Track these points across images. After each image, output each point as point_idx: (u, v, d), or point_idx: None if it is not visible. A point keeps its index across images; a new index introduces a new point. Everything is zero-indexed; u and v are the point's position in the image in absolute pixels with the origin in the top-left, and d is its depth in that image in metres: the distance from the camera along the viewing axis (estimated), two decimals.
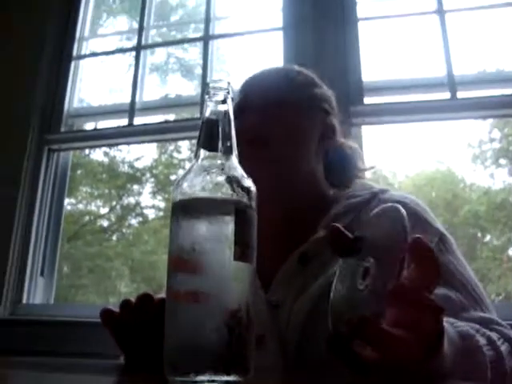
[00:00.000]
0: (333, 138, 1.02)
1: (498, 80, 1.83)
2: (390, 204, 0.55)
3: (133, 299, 0.73)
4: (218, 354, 0.49)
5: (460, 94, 1.70)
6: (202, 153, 0.57)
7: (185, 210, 0.54)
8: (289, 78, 1.04)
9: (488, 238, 3.53)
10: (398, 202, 0.88)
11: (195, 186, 0.54)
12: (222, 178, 0.54)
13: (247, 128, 0.95)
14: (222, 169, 0.55)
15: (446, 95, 1.72)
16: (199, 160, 0.57)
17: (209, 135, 0.58)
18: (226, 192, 0.53)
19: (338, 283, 0.55)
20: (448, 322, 0.62)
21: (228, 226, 0.52)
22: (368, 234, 0.56)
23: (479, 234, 3.48)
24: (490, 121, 3.36)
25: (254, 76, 1.06)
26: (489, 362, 0.63)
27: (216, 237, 0.52)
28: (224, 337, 0.49)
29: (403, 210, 0.53)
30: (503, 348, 0.68)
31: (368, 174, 1.10)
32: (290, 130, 0.97)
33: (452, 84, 1.71)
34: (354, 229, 0.61)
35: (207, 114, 0.59)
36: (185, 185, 0.55)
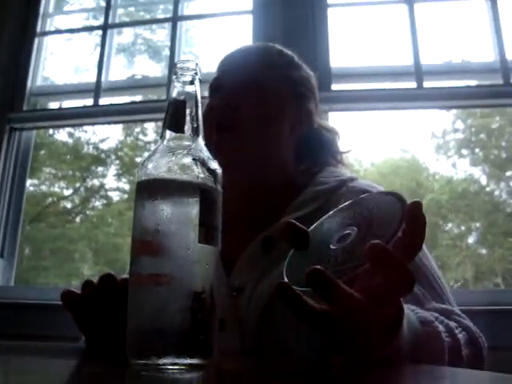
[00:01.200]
0: (307, 122, 1.02)
1: (464, 71, 1.86)
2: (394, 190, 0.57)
3: (95, 280, 0.72)
4: (181, 336, 0.49)
5: (426, 84, 1.73)
6: (168, 134, 0.56)
7: (149, 191, 0.53)
8: (267, 58, 1.02)
9: (449, 226, 3.61)
10: (366, 190, 0.89)
11: (160, 167, 0.53)
12: (187, 160, 0.54)
13: (216, 109, 0.94)
14: (188, 150, 0.55)
15: (413, 84, 1.74)
16: (165, 141, 0.56)
17: (175, 116, 0.57)
18: (191, 174, 0.53)
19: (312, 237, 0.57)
20: (409, 309, 0.63)
21: (193, 208, 0.51)
22: (362, 207, 0.57)
23: (441, 222, 3.55)
24: (454, 111, 3.42)
25: (231, 54, 1.04)
26: (447, 348, 0.65)
27: (180, 219, 0.51)
28: (187, 319, 0.49)
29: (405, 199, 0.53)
30: (460, 336, 0.70)
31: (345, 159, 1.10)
32: (260, 112, 0.96)
33: (419, 73, 1.72)
34: (321, 215, 0.62)
35: (174, 94, 0.58)
36: (150, 166, 0.54)
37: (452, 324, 0.71)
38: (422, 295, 0.78)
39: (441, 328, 0.66)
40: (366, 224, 0.54)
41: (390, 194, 0.57)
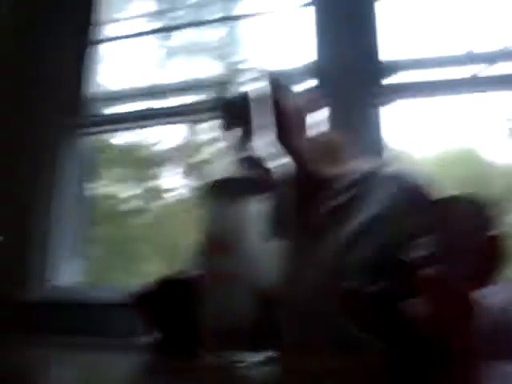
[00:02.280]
0: None
1: None
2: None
3: (171, 276, 0.74)
4: (252, 332, 0.50)
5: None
6: (227, 133, 0.57)
7: (215, 191, 0.54)
8: None
9: None
10: (399, 177, 0.88)
11: (223, 167, 0.54)
12: (250, 158, 0.54)
13: None
14: (249, 149, 0.55)
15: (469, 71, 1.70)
16: (225, 141, 0.57)
17: (234, 116, 0.58)
18: (254, 172, 0.53)
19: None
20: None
21: (258, 205, 0.52)
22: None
23: None
24: None
25: None
26: None
27: (248, 217, 0.52)
28: (258, 315, 0.50)
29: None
30: None
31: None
32: None
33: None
34: (355, 204, 0.61)
35: (232, 94, 0.58)
36: (213, 166, 0.55)
37: None
38: None
39: None
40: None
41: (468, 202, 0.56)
